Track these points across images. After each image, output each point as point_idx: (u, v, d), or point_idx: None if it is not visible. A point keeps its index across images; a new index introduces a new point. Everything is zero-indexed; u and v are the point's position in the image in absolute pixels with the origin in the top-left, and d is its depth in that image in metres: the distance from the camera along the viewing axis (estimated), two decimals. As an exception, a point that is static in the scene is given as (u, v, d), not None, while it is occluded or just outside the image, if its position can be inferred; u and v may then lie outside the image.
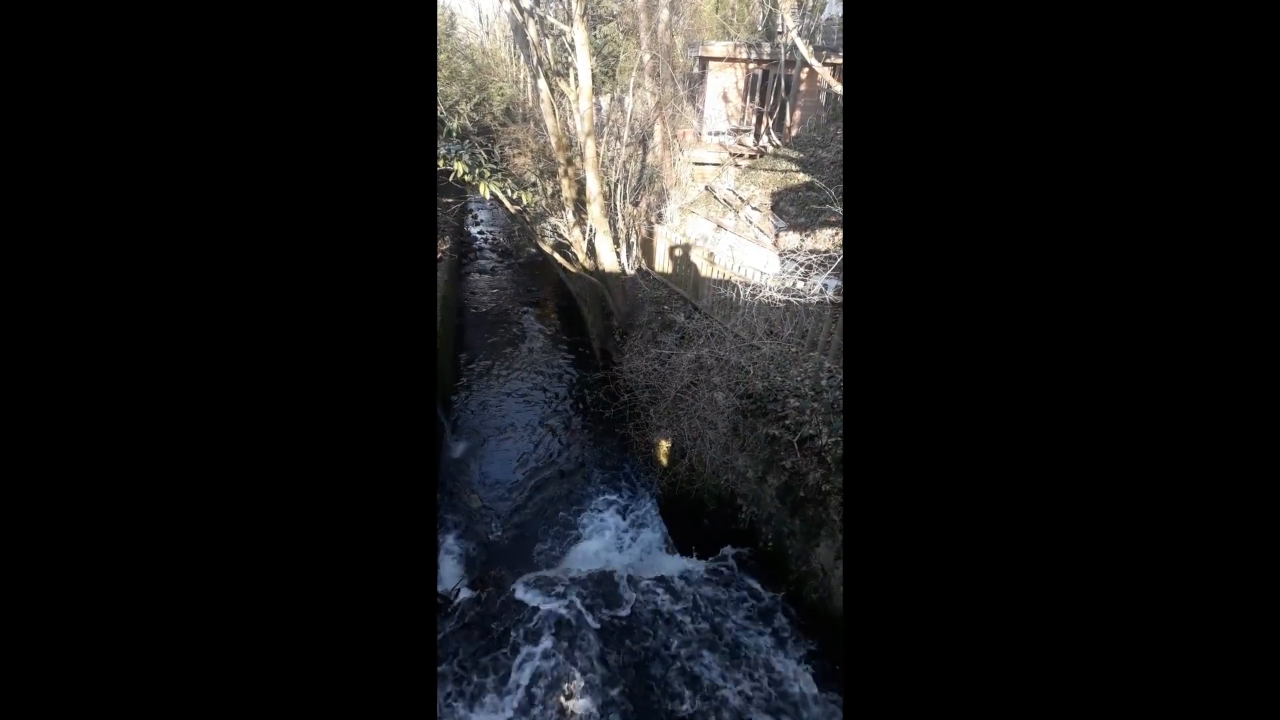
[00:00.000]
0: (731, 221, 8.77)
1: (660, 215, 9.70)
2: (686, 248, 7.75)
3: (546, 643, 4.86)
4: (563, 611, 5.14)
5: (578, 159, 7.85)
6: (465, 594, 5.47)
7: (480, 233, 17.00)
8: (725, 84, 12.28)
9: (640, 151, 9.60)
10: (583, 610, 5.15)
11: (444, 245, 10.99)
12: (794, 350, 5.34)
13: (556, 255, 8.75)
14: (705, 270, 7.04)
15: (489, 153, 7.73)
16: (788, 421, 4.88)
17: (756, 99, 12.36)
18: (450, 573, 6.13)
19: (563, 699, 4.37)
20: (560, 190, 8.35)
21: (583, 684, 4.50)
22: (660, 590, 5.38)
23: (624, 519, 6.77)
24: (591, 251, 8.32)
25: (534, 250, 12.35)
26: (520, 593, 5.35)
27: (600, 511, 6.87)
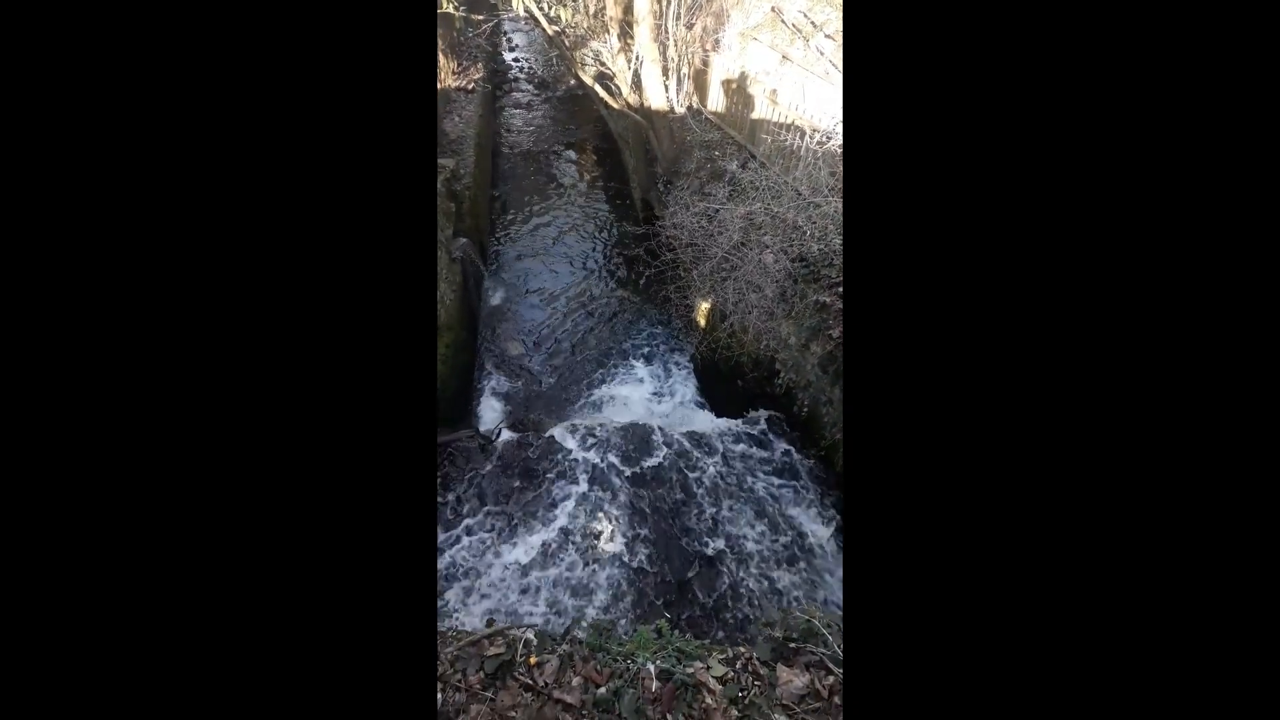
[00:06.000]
0: (800, 52, 7.58)
1: (717, 42, 8.46)
2: (745, 82, 6.81)
3: (581, 485, 5.15)
4: (597, 458, 5.39)
5: (626, -34, 6.67)
6: (506, 436, 5.75)
7: (515, 60, 15.49)
8: None
9: (700, -41, 8.12)
10: (616, 458, 5.38)
11: (477, 74, 10.12)
12: (858, 210, 4.82)
13: (598, 88, 7.86)
14: (766, 111, 6.23)
15: (524, -43, 6.62)
16: (841, 289, 4.56)
17: (846, -112, 10.05)
18: (491, 415, 6.41)
19: (595, 536, 4.73)
20: (604, 8, 7.24)
21: (614, 524, 4.82)
22: (691, 445, 5.54)
23: (660, 376, 6.84)
24: (637, 84, 7.42)
25: (573, 82, 11.22)
26: (558, 438, 5.58)
27: (636, 367, 6.94)
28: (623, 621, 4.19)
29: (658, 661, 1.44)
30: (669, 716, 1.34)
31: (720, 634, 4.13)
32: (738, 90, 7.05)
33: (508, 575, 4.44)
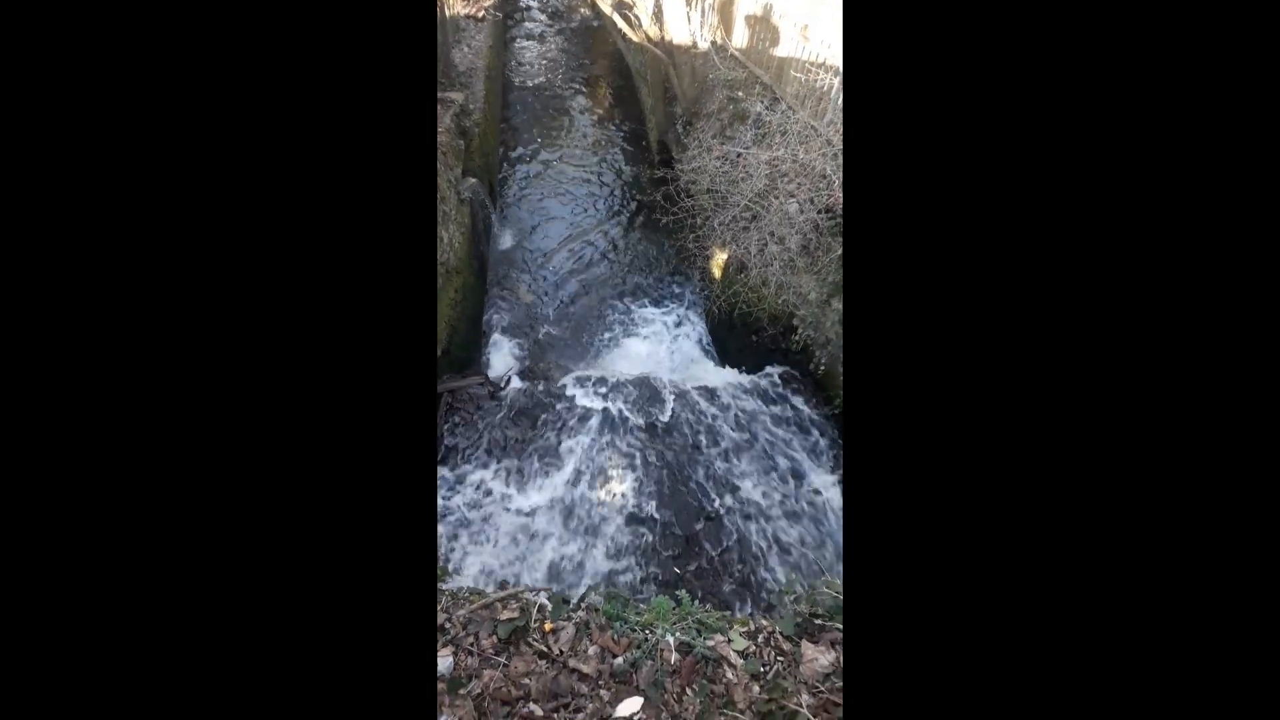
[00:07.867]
0: (835, -18, 7.03)
1: (745, -30, 7.86)
2: (773, 16, 6.33)
3: (591, 436, 5.12)
4: (607, 408, 5.33)
5: (651, -123, 6.10)
6: (516, 384, 5.69)
7: (528, -14, 14.63)
8: None
9: None
10: (626, 409, 5.32)
11: (488, 2, 9.58)
12: (891, 158, 4.53)
13: (616, 18, 7.39)
14: (795, 48, 5.81)
15: None
16: (868, 243, 4.35)
17: None
18: (501, 361, 6.35)
19: (603, 486, 4.73)
20: (626, -74, 6.70)
21: (622, 475, 4.81)
22: (702, 398, 5.47)
23: (673, 327, 6.71)
24: (658, 15, 6.95)
25: (589, 12, 10.59)
26: (568, 388, 5.52)
27: (649, 317, 6.81)
28: (630, 575, 4.23)
29: (677, 633, 1.39)
30: (689, 690, 1.30)
31: (728, 588, 4.17)
32: (765, 25, 6.57)
33: (516, 523, 4.47)
